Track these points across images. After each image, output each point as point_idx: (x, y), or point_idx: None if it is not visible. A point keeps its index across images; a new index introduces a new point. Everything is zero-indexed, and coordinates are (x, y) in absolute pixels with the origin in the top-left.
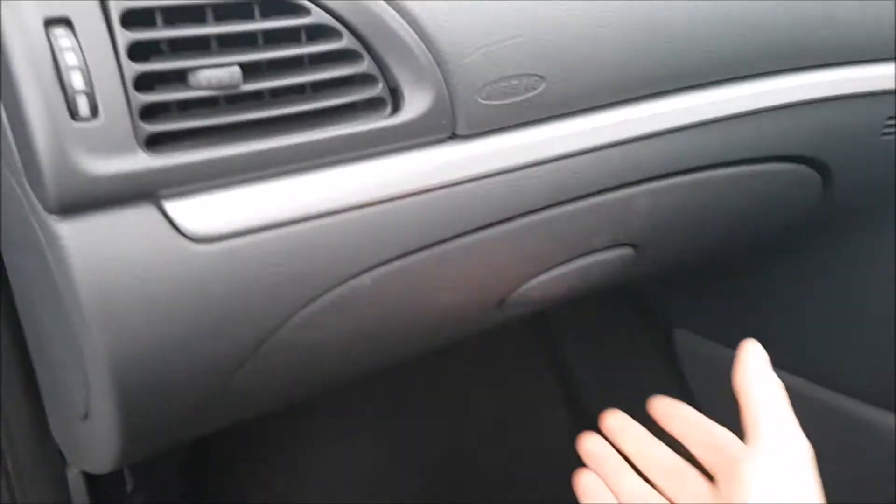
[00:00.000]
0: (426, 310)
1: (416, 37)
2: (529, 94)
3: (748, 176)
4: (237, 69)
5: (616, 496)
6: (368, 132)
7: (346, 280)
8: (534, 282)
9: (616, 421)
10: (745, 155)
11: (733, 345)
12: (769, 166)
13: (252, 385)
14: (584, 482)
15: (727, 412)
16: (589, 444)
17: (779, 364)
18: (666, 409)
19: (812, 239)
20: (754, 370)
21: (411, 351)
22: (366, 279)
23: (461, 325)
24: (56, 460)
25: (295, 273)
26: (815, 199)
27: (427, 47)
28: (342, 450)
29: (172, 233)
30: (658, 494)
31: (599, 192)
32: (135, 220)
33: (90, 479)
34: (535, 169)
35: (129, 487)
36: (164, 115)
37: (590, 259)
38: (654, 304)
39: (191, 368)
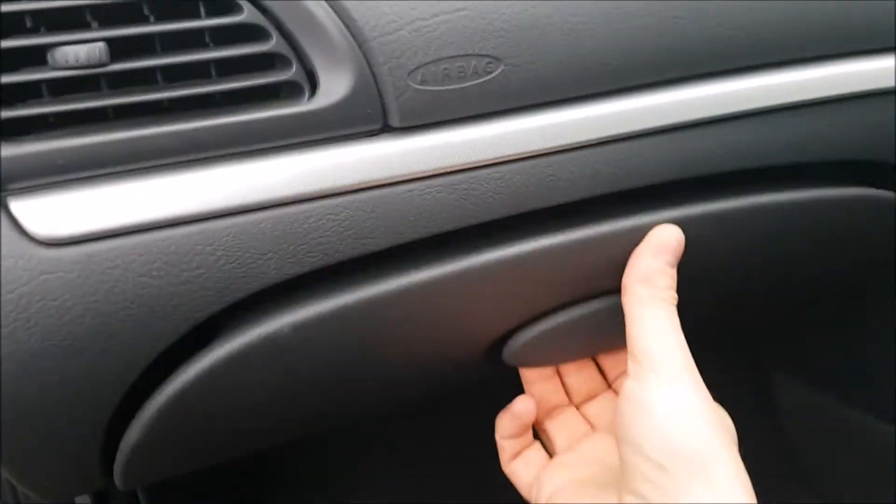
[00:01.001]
0: (371, 361)
1: (329, 10)
2: (480, 80)
3: (790, 204)
4: (101, 45)
5: None
6: (277, 120)
7: (242, 296)
8: (528, 333)
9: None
10: (767, 160)
11: (835, 391)
12: (814, 193)
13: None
14: None
15: (825, 460)
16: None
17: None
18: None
19: None
20: (643, 269)
21: (362, 409)
22: (284, 328)
23: (429, 379)
24: None
25: (175, 288)
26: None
27: (343, 23)
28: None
29: (15, 234)
30: None
31: (602, 219)
32: None
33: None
34: (490, 170)
35: None
36: (33, 102)
37: (597, 304)
38: (751, 343)
39: (58, 394)
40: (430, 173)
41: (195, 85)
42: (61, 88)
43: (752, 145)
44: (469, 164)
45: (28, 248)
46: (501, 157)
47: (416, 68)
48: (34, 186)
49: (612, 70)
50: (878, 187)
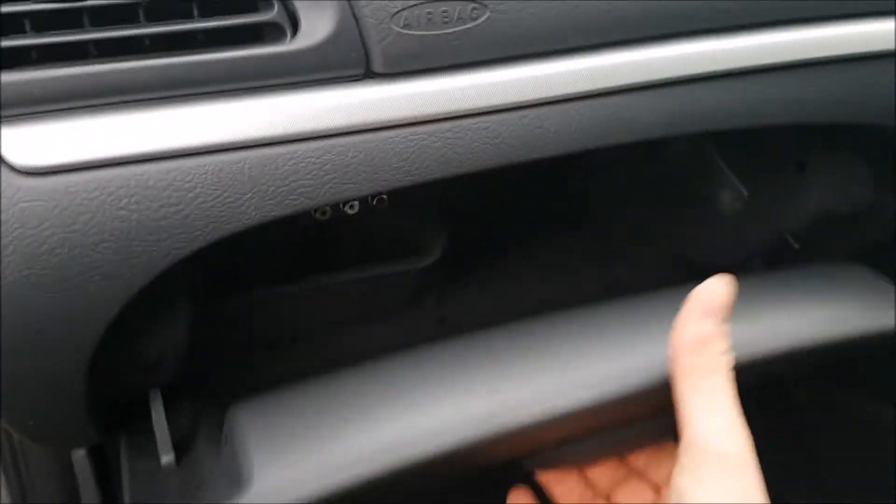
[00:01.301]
0: None
1: None
2: (465, 26)
3: None
4: None
5: None
6: (257, 59)
7: (221, 236)
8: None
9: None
10: (761, 120)
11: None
12: None
13: None
14: None
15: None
16: None
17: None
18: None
19: None
20: (691, 336)
21: None
22: None
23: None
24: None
25: (153, 224)
26: None
27: None
28: None
29: None
30: None
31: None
32: None
33: (96, 459)
34: (476, 119)
35: None
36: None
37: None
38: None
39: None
40: (415, 120)
41: (177, 23)
42: (44, 24)
43: (746, 104)
44: (454, 112)
45: (7, 177)
46: (487, 107)
47: (400, 11)
48: (12, 116)
49: (603, 23)
50: (875, 154)
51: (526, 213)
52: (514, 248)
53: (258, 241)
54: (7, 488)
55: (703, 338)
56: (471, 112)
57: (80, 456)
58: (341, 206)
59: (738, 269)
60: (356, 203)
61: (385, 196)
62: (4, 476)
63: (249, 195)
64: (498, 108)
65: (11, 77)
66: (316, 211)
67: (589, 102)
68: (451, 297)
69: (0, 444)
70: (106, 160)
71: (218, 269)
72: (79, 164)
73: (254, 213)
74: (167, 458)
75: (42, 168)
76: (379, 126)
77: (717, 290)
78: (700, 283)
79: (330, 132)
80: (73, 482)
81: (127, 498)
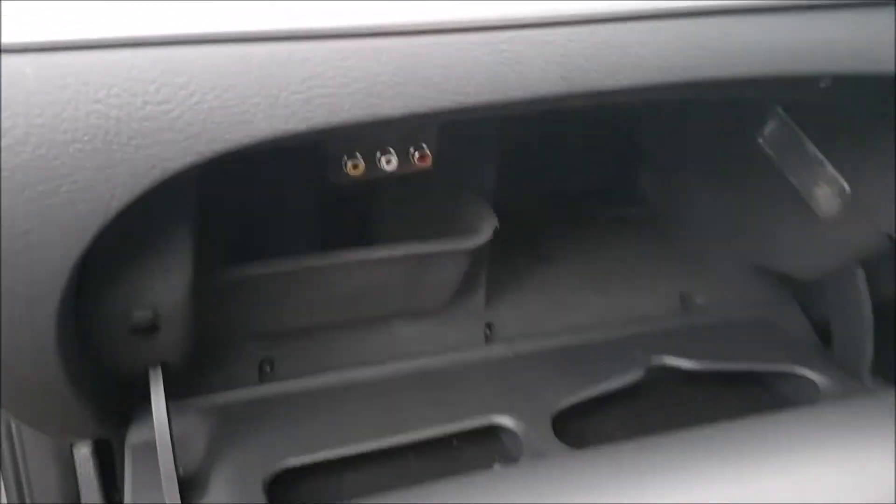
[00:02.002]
0: None
1: None
2: None
3: None
4: None
5: None
6: None
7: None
8: None
9: None
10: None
11: None
12: None
13: None
14: None
15: None
16: None
17: None
18: None
19: None
20: None
21: None
22: None
23: None
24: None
25: (137, 124)
26: None
27: None
28: None
29: None
30: None
31: None
32: None
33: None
34: (540, 32)
35: None
36: None
37: None
38: None
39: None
40: (462, 26)
41: None
42: None
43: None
44: (512, 21)
45: None
46: (553, 17)
47: None
48: None
49: None
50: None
51: (586, 207)
52: (572, 246)
53: (283, 205)
54: (7, 488)
55: None
56: (532, 22)
57: (83, 455)
58: (377, 157)
59: (830, 279)
60: (393, 157)
61: (428, 150)
62: (4, 476)
63: (257, 100)
64: (566, 19)
65: None
66: (347, 161)
67: (681, 22)
68: (498, 298)
69: (0, 444)
70: (82, 42)
71: (237, 234)
72: (50, 44)
73: (262, 123)
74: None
75: (3, 46)
76: (417, 30)
77: None
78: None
79: (356, 31)
80: (74, 483)
81: (128, 498)
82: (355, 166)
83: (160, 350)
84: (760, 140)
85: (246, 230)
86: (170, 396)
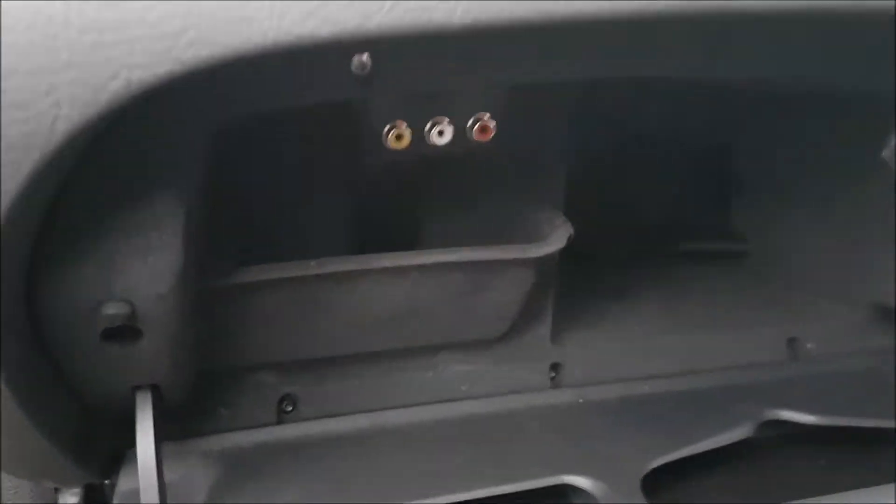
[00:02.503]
0: None
1: None
2: None
3: None
4: None
5: None
6: None
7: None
8: None
9: None
10: None
11: None
12: None
13: None
14: None
15: None
16: None
17: None
18: None
19: None
20: None
21: None
22: None
23: None
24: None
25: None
26: None
27: None
28: None
29: None
30: None
31: None
32: None
33: None
34: None
35: None
36: None
37: None
38: None
39: None
40: None
41: None
42: None
43: None
44: None
45: None
46: None
47: None
48: None
49: None
50: None
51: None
52: (652, 282)
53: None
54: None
55: None
56: None
57: None
58: (426, 130)
59: None
60: (447, 128)
61: (490, 122)
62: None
63: None
64: None
65: None
66: (390, 131)
67: None
68: (566, 335)
69: None
70: None
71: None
72: None
73: (269, 22)
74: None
75: None
76: None
77: None
78: None
79: None
80: None
81: None
82: (399, 137)
83: (145, 366)
84: (885, 155)
85: (262, 229)
86: (168, 437)
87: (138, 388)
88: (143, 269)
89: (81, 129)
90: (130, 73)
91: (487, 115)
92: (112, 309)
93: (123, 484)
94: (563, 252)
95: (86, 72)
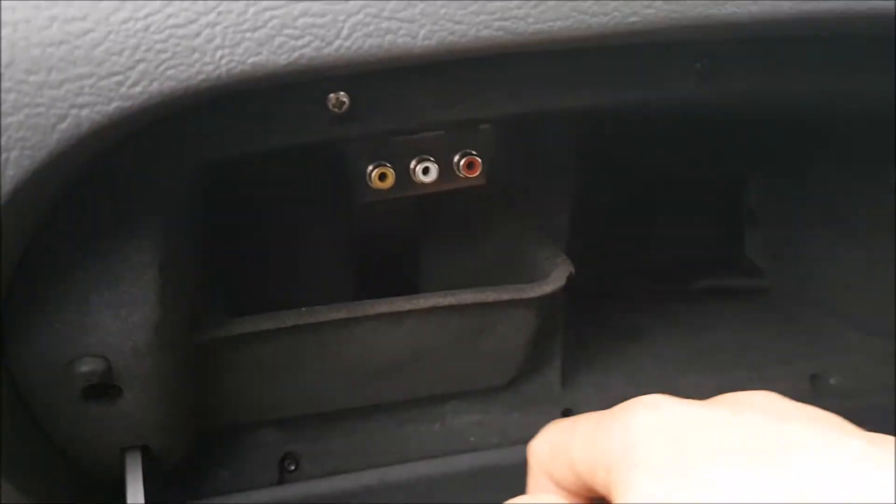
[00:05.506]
0: None
1: None
2: None
3: None
4: None
5: None
6: None
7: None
8: None
9: None
10: None
11: None
12: None
13: None
14: None
15: None
16: None
17: None
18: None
19: None
20: None
21: None
22: None
23: None
24: None
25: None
26: None
27: None
28: None
29: None
30: None
31: None
32: None
33: None
34: None
35: None
36: None
37: None
38: None
39: None
40: None
41: None
42: None
43: None
44: None
45: None
46: None
47: None
48: None
49: None
50: None
51: (678, 276)
52: (664, 320)
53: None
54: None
55: None
56: None
57: None
58: (411, 168)
59: None
60: (432, 165)
61: (479, 157)
62: None
63: (214, 15)
64: None
65: None
66: (373, 171)
67: None
68: (578, 379)
69: None
70: None
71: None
72: None
73: (222, 52)
74: None
75: None
76: None
77: None
78: None
79: None
80: None
81: None
82: (383, 176)
83: (131, 426)
84: None
85: (253, 278)
86: (168, 500)
87: (128, 449)
88: (116, 323)
89: (32, 173)
90: (80, 112)
91: (474, 151)
92: (87, 365)
93: None
94: (572, 292)
95: (34, 113)
